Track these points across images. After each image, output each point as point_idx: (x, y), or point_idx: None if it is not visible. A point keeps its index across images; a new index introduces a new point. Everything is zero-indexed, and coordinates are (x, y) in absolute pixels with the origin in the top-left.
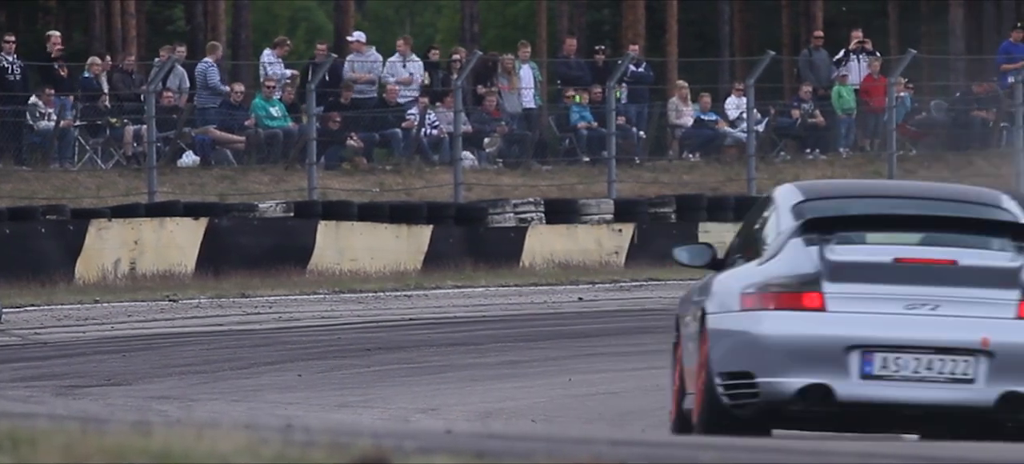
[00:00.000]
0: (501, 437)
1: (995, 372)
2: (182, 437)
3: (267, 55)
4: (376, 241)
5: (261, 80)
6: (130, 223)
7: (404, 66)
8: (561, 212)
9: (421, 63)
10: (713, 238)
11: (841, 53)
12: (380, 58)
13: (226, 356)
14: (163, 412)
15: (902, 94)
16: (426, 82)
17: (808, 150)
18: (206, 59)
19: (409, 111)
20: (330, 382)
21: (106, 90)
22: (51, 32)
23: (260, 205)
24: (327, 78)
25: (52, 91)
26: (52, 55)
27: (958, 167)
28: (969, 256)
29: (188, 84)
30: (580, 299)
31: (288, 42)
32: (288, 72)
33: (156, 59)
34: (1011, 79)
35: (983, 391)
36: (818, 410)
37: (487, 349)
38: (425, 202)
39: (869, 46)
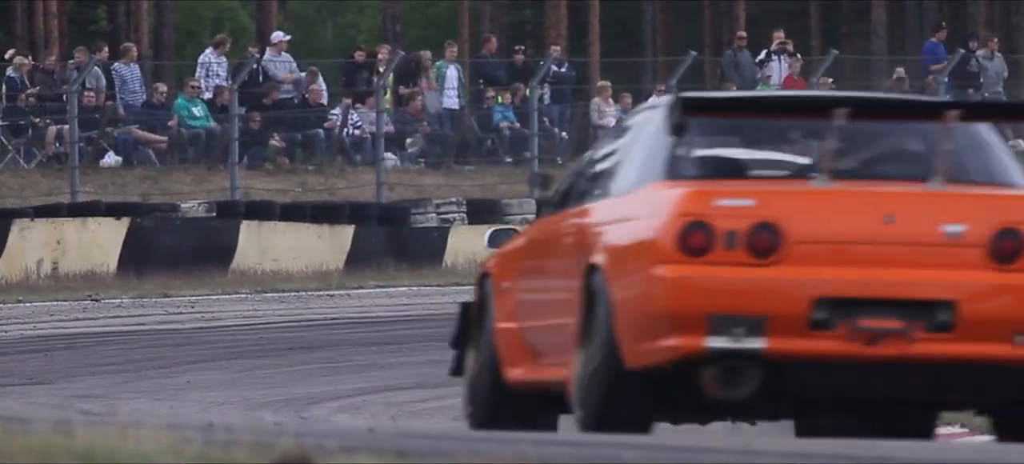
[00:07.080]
0: (424, 436)
1: None
2: (106, 436)
3: (208, 54)
4: (299, 241)
5: (197, 77)
6: (53, 223)
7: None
8: (483, 212)
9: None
10: None
11: (763, 54)
12: (293, 61)
13: (148, 355)
14: (86, 411)
15: None
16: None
17: None
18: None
19: (331, 111)
20: (252, 381)
21: (29, 89)
22: None
23: (182, 205)
24: (252, 77)
25: None
26: None
27: None
28: None
29: (104, 83)
30: None
31: (228, 41)
32: (233, 81)
33: (70, 61)
34: (931, 79)
35: None
36: None
37: (409, 348)
38: (347, 202)
39: (790, 47)
